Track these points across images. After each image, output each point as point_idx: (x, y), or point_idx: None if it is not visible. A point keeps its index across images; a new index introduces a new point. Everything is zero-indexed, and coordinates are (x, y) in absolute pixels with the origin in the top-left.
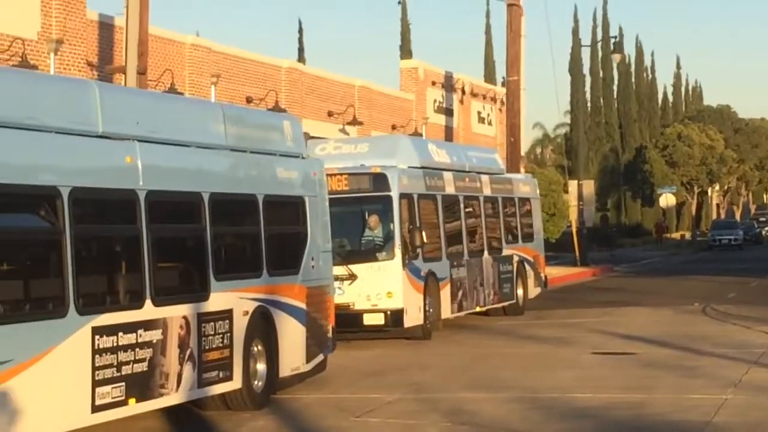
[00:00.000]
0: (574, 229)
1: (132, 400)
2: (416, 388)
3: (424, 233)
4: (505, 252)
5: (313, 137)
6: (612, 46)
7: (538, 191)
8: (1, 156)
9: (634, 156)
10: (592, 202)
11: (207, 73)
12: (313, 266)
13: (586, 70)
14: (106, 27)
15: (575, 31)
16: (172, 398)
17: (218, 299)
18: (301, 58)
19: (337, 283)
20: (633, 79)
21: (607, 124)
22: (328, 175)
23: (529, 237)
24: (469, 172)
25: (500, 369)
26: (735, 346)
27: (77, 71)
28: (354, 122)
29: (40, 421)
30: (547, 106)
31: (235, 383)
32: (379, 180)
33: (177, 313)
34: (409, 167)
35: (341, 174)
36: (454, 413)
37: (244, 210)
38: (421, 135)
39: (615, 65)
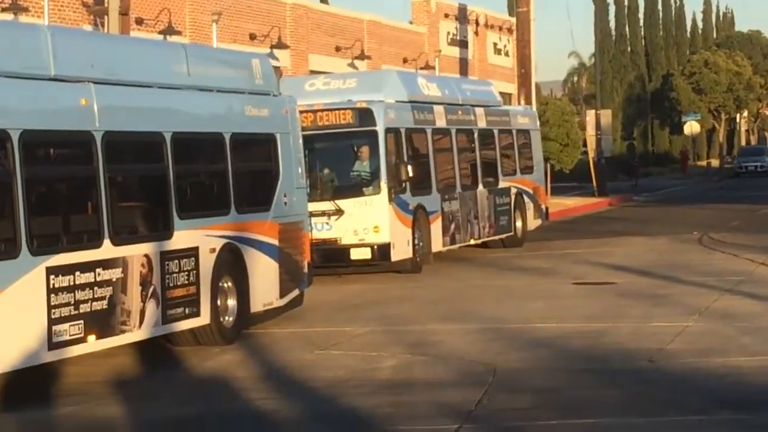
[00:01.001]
0: (590, 159)
1: (91, 337)
2: (388, 321)
3: (410, 167)
4: (502, 184)
5: (317, 72)
6: None
7: (538, 123)
8: None
9: (661, 84)
10: (609, 132)
11: (208, 12)
12: (285, 203)
13: None
14: None
15: None
16: (135, 335)
17: (182, 237)
18: None
19: (324, 219)
20: (659, 6)
21: (633, 53)
22: (314, 111)
23: (528, 169)
24: (462, 105)
25: (477, 301)
26: (715, 274)
27: (72, 12)
28: (362, 56)
29: None
30: (584, 35)
31: (203, 319)
32: (365, 114)
33: (138, 251)
34: (396, 101)
35: (327, 109)
36: (417, 345)
37: (209, 149)
38: (433, 68)
39: None
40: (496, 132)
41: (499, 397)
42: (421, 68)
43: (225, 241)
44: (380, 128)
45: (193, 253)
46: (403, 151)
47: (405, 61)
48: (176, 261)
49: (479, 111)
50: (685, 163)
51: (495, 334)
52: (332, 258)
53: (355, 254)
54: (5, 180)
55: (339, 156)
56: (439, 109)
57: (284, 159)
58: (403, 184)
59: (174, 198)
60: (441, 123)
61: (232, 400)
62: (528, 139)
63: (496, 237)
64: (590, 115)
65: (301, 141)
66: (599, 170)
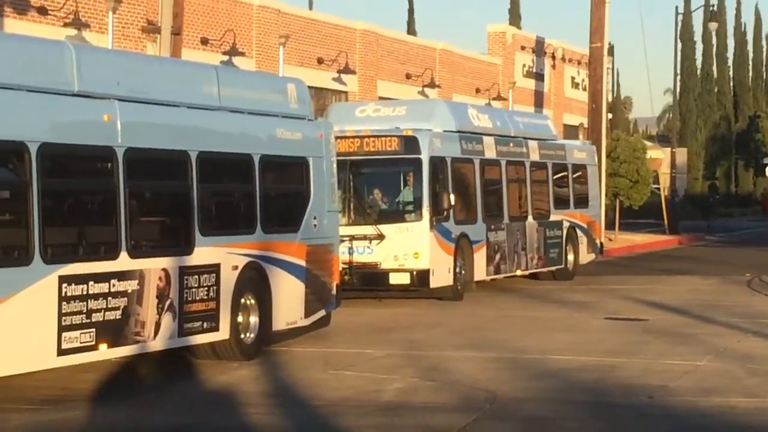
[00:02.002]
0: (662, 197)
1: (103, 345)
2: (410, 346)
3: (452, 196)
4: (554, 217)
5: (384, 98)
6: (710, 15)
7: (596, 158)
8: None
9: (747, 125)
10: (684, 170)
11: (275, 34)
12: (315, 225)
13: (697, 36)
14: None
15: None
16: (148, 345)
17: (203, 254)
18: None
19: (365, 243)
20: (749, 47)
21: (720, 92)
22: (361, 136)
23: (582, 203)
24: (514, 137)
25: (505, 330)
26: (749, 315)
27: (136, 29)
28: (432, 85)
29: (4, 360)
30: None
31: (222, 334)
32: (410, 142)
33: (156, 265)
34: (444, 131)
35: (374, 136)
36: (429, 370)
37: (237, 169)
38: (505, 99)
39: (713, 32)
40: (549, 165)
41: (485, 424)
42: (494, 99)
43: (249, 259)
44: (425, 156)
45: (214, 269)
46: (448, 180)
47: (477, 91)
48: (196, 276)
49: (532, 144)
50: (766, 204)
51: (509, 363)
52: (371, 281)
53: (394, 279)
54: (22, 190)
55: (383, 182)
56: (488, 140)
57: (316, 182)
58: (445, 213)
59: (197, 215)
60: (490, 154)
61: (227, 413)
62: (584, 173)
63: (546, 269)
64: (666, 153)
65: (335, 165)
66: (672, 208)
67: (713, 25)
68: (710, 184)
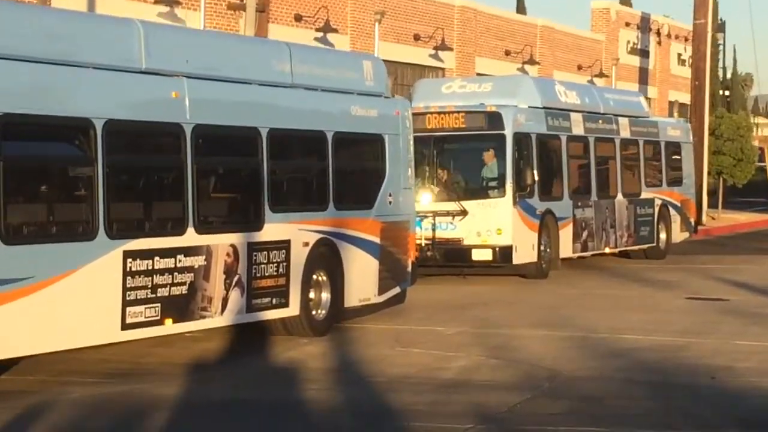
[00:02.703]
0: None
1: (169, 321)
2: (484, 323)
3: (536, 172)
4: (645, 195)
5: (482, 74)
6: None
7: (690, 136)
8: (40, 89)
9: None
10: None
11: (370, 11)
12: (390, 202)
13: None
14: None
15: None
16: (215, 321)
17: (273, 230)
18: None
19: (448, 219)
20: None
21: None
22: (446, 112)
23: (676, 181)
24: (603, 114)
25: (581, 309)
26: None
27: (226, 7)
28: (532, 61)
29: (68, 334)
30: None
31: (292, 310)
32: (494, 118)
33: (224, 241)
34: (529, 107)
35: (458, 112)
36: (497, 348)
37: (309, 146)
38: (608, 76)
39: None
40: (641, 142)
41: (538, 402)
42: (596, 75)
43: (320, 235)
44: (509, 132)
45: (284, 245)
46: (532, 156)
47: (579, 68)
48: (265, 252)
49: (623, 121)
50: None
51: (578, 342)
52: (454, 257)
53: (477, 255)
54: (87, 166)
55: (467, 158)
56: (576, 117)
57: (391, 159)
58: (529, 189)
59: (267, 192)
60: (578, 130)
61: (285, 388)
62: (678, 151)
63: (636, 247)
64: (759, 131)
65: (411, 143)
66: None
67: None
68: None
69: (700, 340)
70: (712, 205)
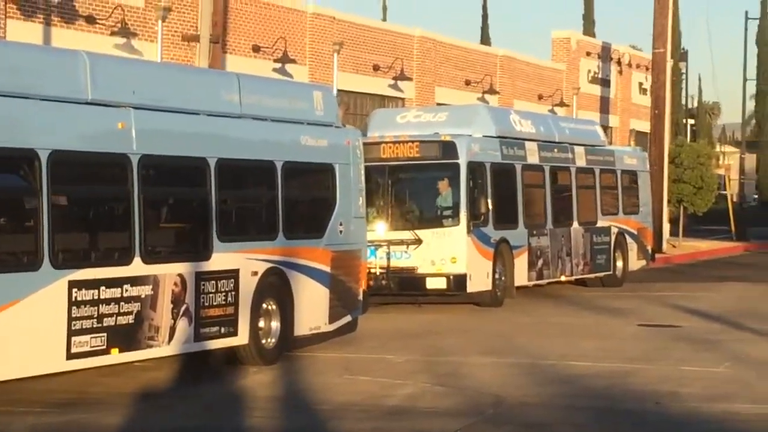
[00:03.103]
0: (729, 203)
1: (115, 350)
2: (434, 351)
3: (490, 201)
4: (601, 223)
5: (442, 104)
6: None
7: (647, 164)
8: None
9: None
10: (753, 177)
11: (329, 42)
12: (341, 231)
13: None
14: None
15: (764, 3)
16: (163, 350)
17: (222, 259)
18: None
19: (402, 247)
20: None
21: None
22: (400, 142)
23: (633, 209)
24: (559, 143)
25: (533, 337)
26: None
27: (182, 38)
28: (492, 91)
29: (12, 363)
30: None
31: (241, 339)
32: (448, 148)
33: (171, 270)
34: (484, 136)
35: (413, 141)
36: (445, 375)
37: (259, 176)
38: (568, 105)
39: None
40: (597, 171)
41: (479, 428)
42: (556, 105)
43: (270, 265)
44: (463, 161)
45: (233, 275)
46: (487, 185)
47: (540, 97)
48: (213, 282)
49: (579, 149)
50: None
51: (527, 369)
52: (408, 286)
53: (431, 283)
54: (32, 197)
55: (422, 187)
56: (531, 146)
57: (342, 189)
58: (483, 217)
59: (215, 221)
60: (533, 159)
61: (232, 416)
62: (634, 179)
63: (592, 275)
64: (734, 159)
65: (362, 172)
66: (740, 215)
67: None
68: None
69: (648, 366)
70: (674, 233)
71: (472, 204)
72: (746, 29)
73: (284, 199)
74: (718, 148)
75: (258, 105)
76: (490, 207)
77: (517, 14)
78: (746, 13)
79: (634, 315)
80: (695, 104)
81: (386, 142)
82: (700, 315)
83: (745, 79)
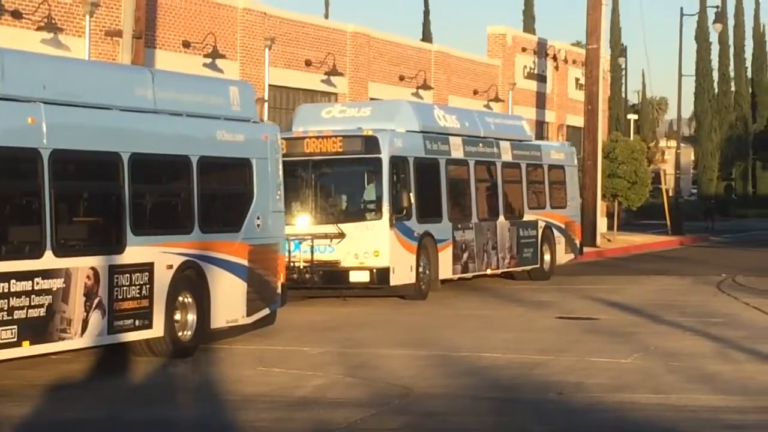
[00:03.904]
0: (664, 198)
1: (26, 342)
2: (349, 344)
3: (412, 195)
4: (528, 217)
5: (375, 99)
6: (715, 15)
7: (575, 159)
8: None
9: (766, 125)
10: (689, 172)
11: (260, 37)
12: (259, 225)
13: (713, 37)
14: None
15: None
16: (75, 342)
17: (136, 253)
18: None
19: (326, 241)
20: None
21: (737, 93)
22: (324, 137)
23: (560, 203)
24: (484, 138)
25: (450, 329)
26: (700, 315)
27: (104, 33)
28: (425, 86)
29: None
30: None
31: (156, 331)
32: (371, 142)
33: (84, 264)
34: (407, 131)
35: (336, 136)
36: (357, 367)
37: (174, 170)
38: (503, 100)
39: (730, 33)
40: (523, 166)
41: (380, 418)
42: (491, 100)
43: (185, 258)
44: (384, 156)
45: (147, 268)
46: (410, 179)
47: (475, 92)
48: (127, 275)
49: (504, 144)
50: None
51: (439, 360)
52: (332, 280)
53: (354, 277)
54: None
55: (345, 181)
56: (456, 141)
57: (260, 183)
58: (405, 211)
59: (129, 215)
60: (458, 154)
61: (141, 407)
62: (562, 174)
63: (519, 269)
64: (670, 154)
65: (280, 167)
66: (675, 209)
67: (717, 27)
68: (726, 185)
69: (557, 357)
70: (608, 227)
71: (394, 198)
72: (681, 25)
73: (200, 194)
74: (663, 143)
75: (173, 100)
76: (413, 201)
77: (459, 11)
78: (681, 9)
79: (555, 308)
80: (639, 100)
81: (310, 137)
82: (619, 307)
83: (680, 75)
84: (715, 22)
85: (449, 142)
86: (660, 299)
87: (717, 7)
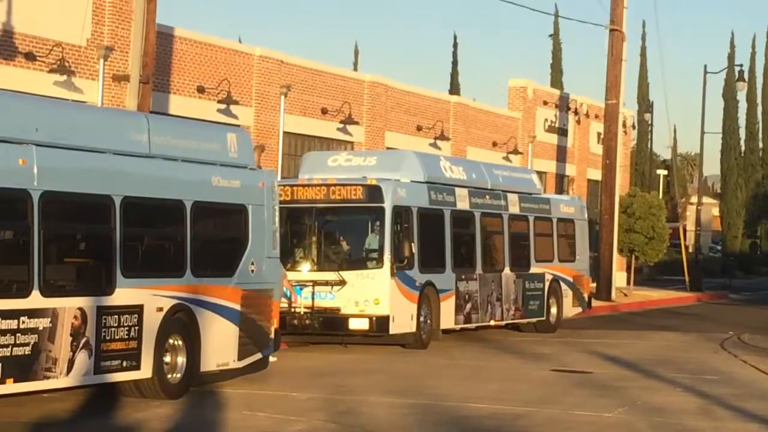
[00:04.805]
0: (683, 254)
1: (10, 380)
2: (338, 390)
3: (414, 245)
4: (535, 270)
5: (392, 149)
6: (737, 74)
7: (585, 213)
8: None
9: None
10: (709, 228)
11: (276, 84)
12: (253, 271)
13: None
14: (162, 37)
15: (731, 57)
16: (60, 381)
17: (125, 294)
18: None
19: (327, 288)
20: None
21: (765, 151)
22: (328, 185)
23: (568, 257)
24: (491, 189)
25: (443, 378)
26: (695, 372)
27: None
28: (443, 137)
29: None
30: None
31: (144, 373)
32: (374, 191)
33: (72, 304)
34: (412, 181)
35: (340, 184)
36: (340, 413)
37: (167, 214)
38: (522, 153)
39: (742, 93)
40: (531, 218)
41: None
42: (510, 152)
43: (176, 301)
44: (388, 205)
45: (136, 310)
46: (413, 229)
47: (494, 144)
48: (116, 316)
49: (512, 197)
50: None
51: (423, 409)
52: (332, 326)
53: (354, 324)
54: None
55: (348, 229)
56: (462, 192)
57: (255, 229)
58: (407, 261)
59: (119, 257)
60: (463, 205)
61: None
62: (571, 227)
63: (525, 321)
64: (691, 211)
65: (276, 213)
66: (694, 266)
67: (741, 85)
68: (751, 242)
69: (542, 409)
70: (636, 282)
71: (396, 247)
72: (705, 83)
73: (193, 238)
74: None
75: (168, 145)
76: (415, 251)
77: (489, 64)
78: (705, 67)
79: (552, 360)
80: (668, 155)
81: (314, 185)
82: (616, 362)
83: (702, 132)
84: (738, 80)
85: (455, 193)
86: (659, 355)
87: (741, 65)
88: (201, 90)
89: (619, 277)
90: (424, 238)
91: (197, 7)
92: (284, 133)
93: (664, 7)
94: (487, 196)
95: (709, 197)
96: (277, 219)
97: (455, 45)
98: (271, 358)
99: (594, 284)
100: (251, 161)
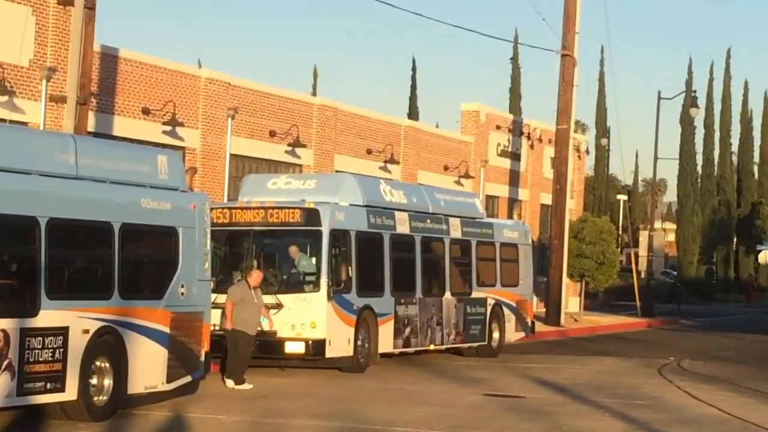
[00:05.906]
0: (635, 280)
1: None
2: (265, 414)
3: (351, 269)
4: (476, 294)
5: (340, 171)
6: (692, 100)
7: (529, 238)
8: None
9: (750, 211)
10: (661, 254)
11: (223, 107)
12: (183, 293)
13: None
14: (107, 58)
15: (688, 83)
16: None
17: (50, 316)
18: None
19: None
20: (755, 133)
21: (721, 177)
22: (266, 208)
23: (512, 282)
24: (432, 213)
25: (371, 402)
26: (626, 397)
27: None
28: (393, 161)
29: None
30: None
31: (69, 395)
32: (311, 215)
33: None
34: (350, 204)
35: (278, 208)
36: None
37: (94, 236)
38: (473, 177)
39: (702, 118)
40: (473, 243)
41: None
42: (462, 176)
43: (102, 323)
44: (325, 229)
45: (61, 332)
46: (351, 253)
47: (446, 168)
48: (40, 338)
49: (454, 221)
50: (750, 291)
51: None
52: (268, 350)
53: (290, 348)
54: None
55: (285, 252)
56: (401, 216)
57: (185, 252)
58: (344, 284)
59: (44, 279)
60: (403, 229)
61: None
62: (515, 252)
63: (466, 345)
64: (643, 236)
65: (207, 235)
66: (646, 291)
67: (694, 111)
68: (707, 268)
69: None
70: (589, 307)
71: (333, 271)
72: (658, 108)
73: (121, 260)
74: (658, 225)
75: (96, 167)
76: (353, 274)
77: (450, 90)
78: (659, 93)
79: (486, 385)
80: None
81: (252, 207)
82: (550, 387)
83: (656, 158)
84: (691, 106)
85: (395, 216)
86: (594, 380)
87: (695, 91)
88: (146, 111)
89: (572, 302)
90: (362, 262)
91: (159, 30)
92: (231, 155)
93: (623, 35)
94: (428, 220)
95: (671, 222)
96: (208, 242)
97: (414, 69)
98: (210, 380)
99: (544, 309)
100: (182, 183)
